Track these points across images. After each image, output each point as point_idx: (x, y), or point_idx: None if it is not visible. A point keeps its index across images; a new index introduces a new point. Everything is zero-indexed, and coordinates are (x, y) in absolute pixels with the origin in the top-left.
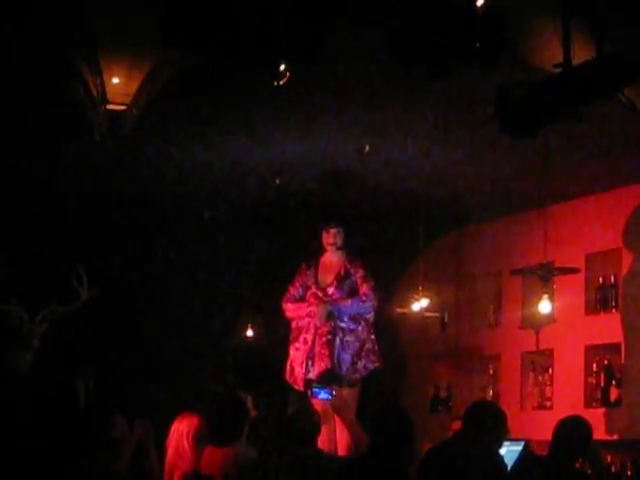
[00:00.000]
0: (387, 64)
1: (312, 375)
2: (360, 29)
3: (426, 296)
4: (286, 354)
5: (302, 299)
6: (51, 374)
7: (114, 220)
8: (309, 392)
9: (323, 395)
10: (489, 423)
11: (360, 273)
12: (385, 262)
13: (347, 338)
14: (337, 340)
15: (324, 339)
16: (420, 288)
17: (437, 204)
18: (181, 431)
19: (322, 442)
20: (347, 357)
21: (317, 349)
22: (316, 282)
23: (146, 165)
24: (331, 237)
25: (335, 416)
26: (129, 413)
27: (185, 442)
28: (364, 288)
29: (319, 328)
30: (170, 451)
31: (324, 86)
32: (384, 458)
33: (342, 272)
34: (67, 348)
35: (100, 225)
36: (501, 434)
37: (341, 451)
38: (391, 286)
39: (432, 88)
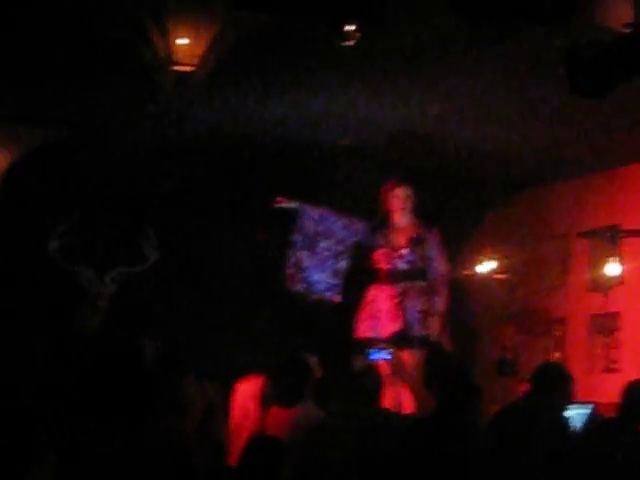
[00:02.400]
0: (458, 24)
1: (378, 335)
2: None
3: (493, 258)
4: (351, 315)
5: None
6: (119, 334)
7: (182, 181)
8: (366, 353)
9: (380, 356)
10: (556, 385)
11: (437, 241)
12: (453, 224)
13: (419, 299)
14: (408, 301)
15: (395, 300)
16: (487, 250)
17: (505, 166)
18: (246, 392)
19: (388, 402)
20: (418, 317)
21: (388, 309)
22: (389, 242)
23: (214, 126)
24: (401, 201)
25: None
26: (200, 375)
27: (250, 403)
28: (442, 259)
29: (389, 289)
30: (235, 413)
31: (393, 47)
32: (450, 418)
33: (415, 235)
34: (135, 309)
35: (168, 187)
36: (568, 396)
37: (406, 411)
38: (459, 248)
39: (502, 49)
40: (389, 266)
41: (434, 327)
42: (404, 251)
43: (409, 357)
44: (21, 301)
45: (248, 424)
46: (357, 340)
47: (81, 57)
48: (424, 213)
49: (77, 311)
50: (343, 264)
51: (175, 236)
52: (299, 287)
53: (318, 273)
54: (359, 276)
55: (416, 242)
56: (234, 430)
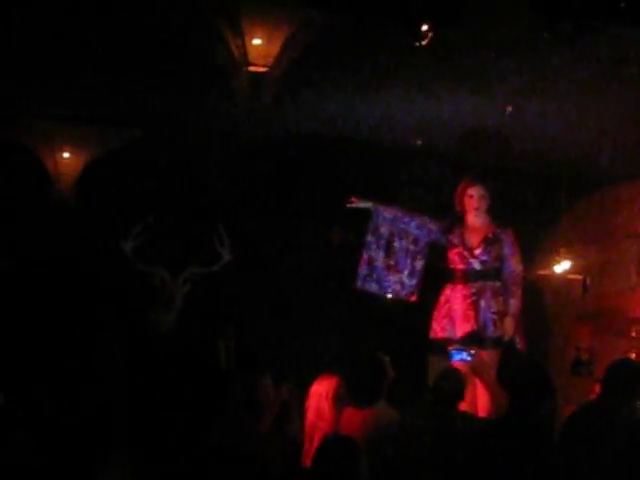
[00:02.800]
0: (533, 22)
1: (453, 335)
2: None
3: (568, 258)
4: (426, 314)
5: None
6: (193, 334)
7: (256, 181)
8: (448, 354)
9: (462, 357)
10: (627, 382)
11: (511, 240)
12: (527, 224)
13: (493, 299)
14: (482, 302)
15: (469, 300)
16: (562, 250)
17: (581, 165)
18: (320, 392)
19: (464, 403)
20: (492, 318)
21: (462, 310)
22: (463, 242)
23: (288, 126)
24: (475, 201)
25: (475, 377)
26: (274, 375)
27: (325, 403)
28: (517, 259)
29: (463, 289)
30: (310, 413)
31: (468, 46)
32: (523, 418)
33: (490, 235)
34: (209, 309)
35: (242, 187)
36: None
37: (481, 412)
38: (533, 248)
39: (578, 47)
40: (464, 266)
41: (508, 328)
42: (478, 251)
43: (485, 357)
44: (96, 302)
45: (322, 424)
46: (432, 340)
47: (156, 58)
48: (498, 213)
49: (151, 311)
50: (419, 264)
51: (249, 236)
52: (372, 287)
53: (394, 274)
54: (434, 276)
55: (491, 242)
56: (308, 430)
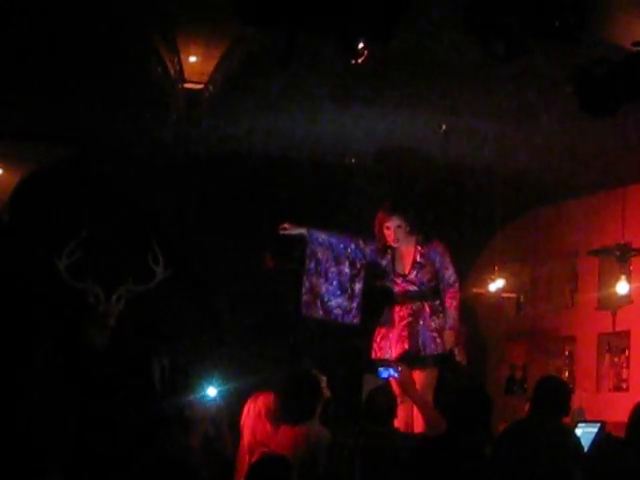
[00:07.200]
0: (466, 41)
1: (389, 356)
2: (439, 6)
3: (502, 277)
4: (367, 336)
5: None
6: (127, 353)
7: (190, 199)
8: (376, 372)
9: (388, 373)
10: (554, 398)
11: (440, 252)
12: (461, 242)
13: (431, 318)
14: (421, 321)
15: (405, 322)
16: (496, 268)
17: (514, 184)
18: (256, 410)
19: (399, 421)
20: (432, 336)
21: (398, 331)
22: (394, 269)
23: (221, 143)
24: (392, 232)
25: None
26: (202, 392)
27: (259, 421)
28: (450, 270)
29: (400, 310)
30: (247, 431)
31: (401, 64)
32: (462, 438)
33: (419, 259)
34: (143, 327)
35: (176, 204)
36: (565, 408)
37: (417, 429)
38: (467, 266)
39: (511, 66)
40: (399, 288)
41: (448, 341)
42: (411, 276)
43: (419, 377)
44: (31, 320)
45: (257, 442)
46: (371, 361)
47: (91, 75)
48: (421, 234)
49: (86, 329)
50: (358, 286)
51: (184, 255)
52: (317, 313)
53: (334, 298)
54: (374, 297)
55: (421, 266)
56: (249, 449)
